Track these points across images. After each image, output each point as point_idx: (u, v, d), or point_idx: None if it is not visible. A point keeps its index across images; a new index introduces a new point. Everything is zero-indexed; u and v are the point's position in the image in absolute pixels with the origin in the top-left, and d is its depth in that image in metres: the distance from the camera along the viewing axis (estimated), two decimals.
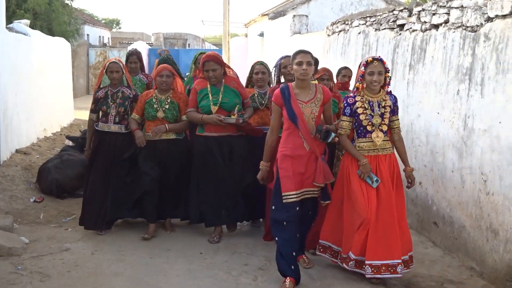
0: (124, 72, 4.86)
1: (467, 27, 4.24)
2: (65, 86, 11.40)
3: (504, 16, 3.76)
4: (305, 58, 3.71)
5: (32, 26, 11.77)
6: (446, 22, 4.58)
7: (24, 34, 8.50)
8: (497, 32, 3.84)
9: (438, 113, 4.66)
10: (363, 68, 3.83)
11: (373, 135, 3.83)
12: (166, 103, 4.67)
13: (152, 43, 28.40)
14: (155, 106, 4.66)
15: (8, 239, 4.29)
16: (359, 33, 6.84)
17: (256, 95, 4.84)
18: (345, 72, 5.29)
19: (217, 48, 25.47)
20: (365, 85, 3.86)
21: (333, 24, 8.19)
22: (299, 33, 12.11)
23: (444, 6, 4.57)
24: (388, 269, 3.69)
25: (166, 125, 4.64)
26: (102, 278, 3.85)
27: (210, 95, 4.54)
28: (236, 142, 4.60)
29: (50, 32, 15.68)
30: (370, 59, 3.81)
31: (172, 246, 4.54)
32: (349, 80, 5.26)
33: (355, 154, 3.83)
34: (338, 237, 3.93)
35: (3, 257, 4.08)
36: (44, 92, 9.21)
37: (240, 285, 3.82)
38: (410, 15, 5.33)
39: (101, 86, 4.90)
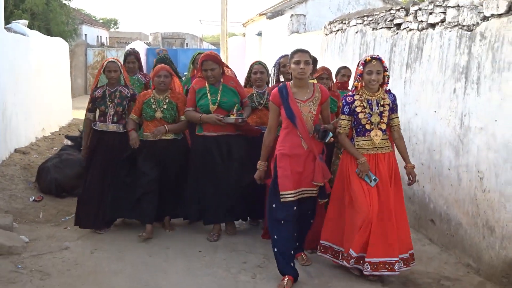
0: (122, 71, 4.86)
1: (463, 26, 4.27)
2: (63, 86, 11.41)
3: (499, 15, 3.80)
4: (303, 57, 3.72)
5: (30, 26, 11.77)
6: (443, 21, 4.61)
7: (23, 34, 8.52)
8: (493, 31, 3.87)
9: (435, 111, 4.69)
10: (361, 67, 3.83)
11: (372, 133, 3.84)
12: (164, 103, 4.68)
13: (150, 42, 28.40)
14: (153, 106, 4.66)
15: (8, 238, 4.31)
16: (357, 32, 6.87)
17: (254, 95, 4.84)
18: (344, 71, 5.31)
19: (215, 48, 25.49)
20: (363, 84, 3.87)
21: (330, 23, 8.23)
22: (297, 32, 12.14)
23: (441, 5, 4.60)
24: (385, 266, 3.71)
25: (166, 126, 4.64)
26: (102, 277, 3.87)
27: (208, 94, 4.54)
28: (234, 141, 4.60)
29: (48, 32, 15.68)
30: (369, 58, 3.82)
31: (171, 244, 4.56)
32: (348, 79, 5.28)
33: (354, 153, 3.85)
34: (339, 237, 3.92)
35: (3, 256, 4.10)
36: (42, 92, 9.23)
37: (239, 282, 3.84)
38: (407, 14, 5.36)
39: (99, 86, 4.89)
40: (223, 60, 5.22)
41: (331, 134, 3.77)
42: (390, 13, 5.80)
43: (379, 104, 3.85)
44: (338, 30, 7.74)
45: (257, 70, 4.86)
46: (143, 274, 3.94)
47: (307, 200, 3.87)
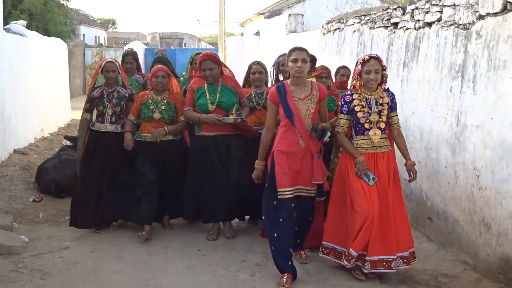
0: (120, 71, 4.87)
1: (460, 25, 4.31)
2: (61, 86, 11.43)
3: (495, 14, 3.83)
4: (300, 55, 3.74)
5: (28, 26, 11.77)
6: (439, 20, 4.65)
7: (21, 35, 8.54)
8: (489, 29, 3.90)
9: (432, 110, 4.72)
10: (360, 66, 3.84)
11: (371, 132, 3.84)
12: (162, 104, 4.68)
13: (148, 43, 28.42)
14: (151, 107, 4.66)
15: (8, 238, 4.33)
16: (354, 31, 6.90)
17: (253, 95, 4.84)
18: (343, 71, 5.33)
19: (213, 48, 25.49)
20: (362, 83, 3.88)
21: (328, 22, 8.26)
22: (295, 32, 12.17)
23: (437, 4, 4.63)
24: (382, 264, 3.73)
25: (166, 127, 4.64)
26: (102, 276, 3.89)
27: (207, 94, 4.54)
28: (233, 141, 4.60)
29: (46, 32, 15.68)
30: (367, 57, 3.82)
31: (171, 243, 4.58)
32: (348, 79, 5.30)
33: (352, 152, 3.85)
34: (341, 237, 3.91)
35: (4, 255, 4.12)
36: (41, 92, 9.25)
37: (238, 280, 3.87)
38: (404, 14, 5.39)
39: (96, 86, 4.88)
40: (221, 60, 5.21)
41: (329, 133, 3.79)
42: (387, 12, 5.83)
43: (378, 103, 3.86)
44: (335, 30, 7.77)
45: (256, 70, 4.84)
46: (143, 273, 3.96)
47: (306, 200, 3.89)
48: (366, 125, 3.85)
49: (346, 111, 3.90)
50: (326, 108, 4.04)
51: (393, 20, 5.62)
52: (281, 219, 3.74)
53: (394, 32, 5.61)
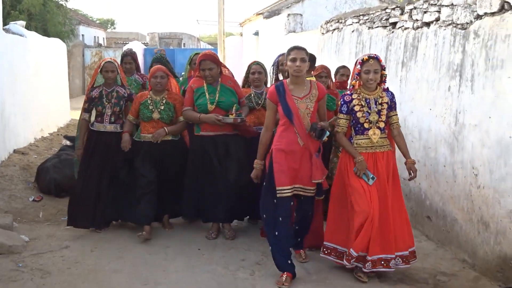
0: (119, 72, 4.88)
1: (457, 24, 4.33)
2: (61, 86, 11.43)
3: (492, 14, 3.85)
4: (299, 54, 3.75)
5: (27, 27, 11.80)
6: (437, 20, 4.67)
7: (20, 35, 8.55)
8: (486, 29, 3.92)
9: (430, 109, 4.74)
10: (359, 66, 3.85)
11: (370, 132, 3.85)
12: (161, 104, 4.68)
13: (147, 43, 28.39)
14: (150, 107, 4.67)
15: (9, 237, 4.34)
16: (353, 31, 6.92)
17: (252, 95, 4.84)
18: (343, 71, 5.34)
19: (212, 48, 25.49)
20: (361, 82, 3.89)
21: (327, 22, 8.28)
22: (294, 31, 12.19)
23: (435, 4, 4.65)
24: (381, 262, 3.75)
25: (166, 128, 4.64)
26: (102, 275, 3.91)
27: (206, 94, 4.55)
28: (232, 141, 4.60)
29: (45, 33, 15.68)
30: (366, 57, 3.83)
31: (171, 243, 4.59)
32: (347, 79, 5.31)
33: (351, 152, 3.86)
34: (343, 237, 3.91)
35: (4, 255, 4.13)
36: (40, 92, 9.26)
37: (238, 279, 3.89)
38: (402, 13, 5.42)
39: (95, 86, 4.89)
40: (221, 60, 5.20)
41: (327, 132, 3.80)
42: (386, 12, 5.85)
43: (377, 103, 3.87)
44: (334, 29, 7.79)
45: (255, 70, 4.85)
46: (143, 272, 3.97)
47: (306, 200, 3.90)
48: (366, 125, 3.86)
49: (345, 110, 3.92)
50: (325, 107, 4.06)
51: (392, 20, 5.64)
52: (280, 219, 3.76)
53: (392, 32, 5.63)
